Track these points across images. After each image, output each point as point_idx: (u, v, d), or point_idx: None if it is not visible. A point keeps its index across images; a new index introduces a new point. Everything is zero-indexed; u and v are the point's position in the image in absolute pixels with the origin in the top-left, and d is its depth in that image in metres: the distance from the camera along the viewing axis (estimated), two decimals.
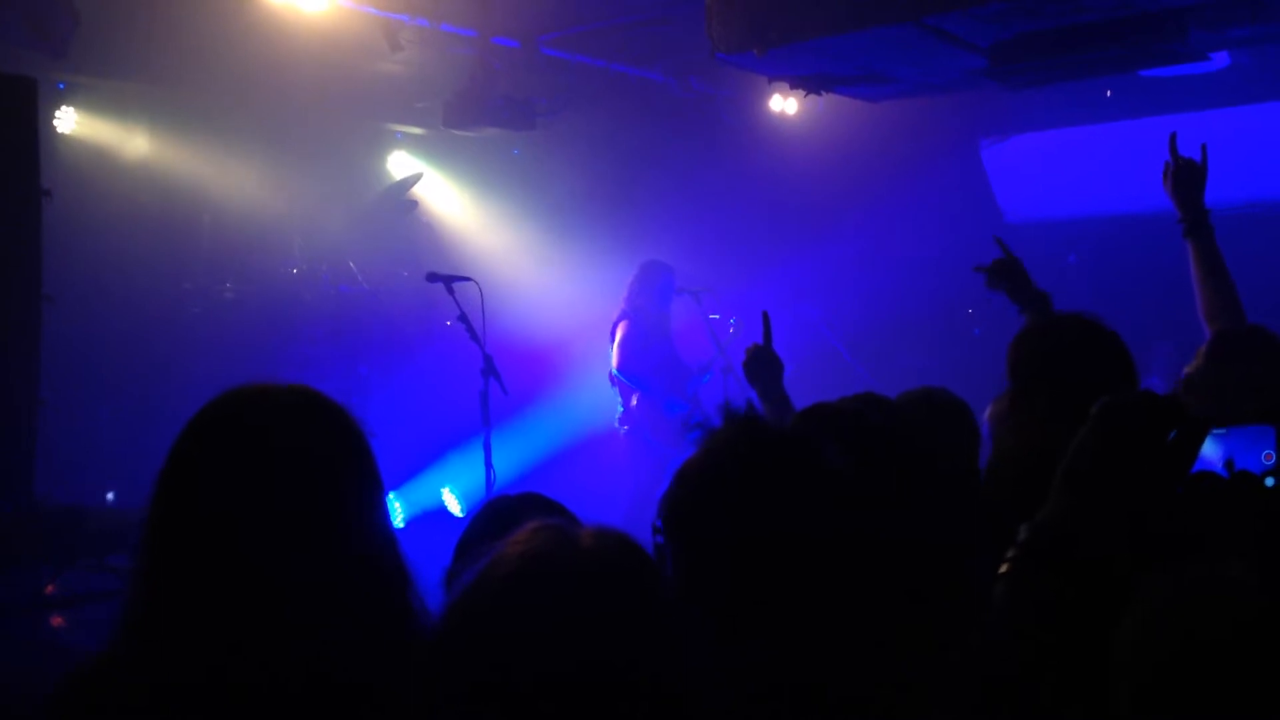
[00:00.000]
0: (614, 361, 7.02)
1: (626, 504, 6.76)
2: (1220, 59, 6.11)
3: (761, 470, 1.44)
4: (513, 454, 7.17)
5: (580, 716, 1.10)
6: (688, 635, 1.22)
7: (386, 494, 1.59)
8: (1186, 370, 2.82)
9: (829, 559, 1.40)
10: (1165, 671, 0.87)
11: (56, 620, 5.19)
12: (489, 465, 5.70)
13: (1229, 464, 1.06)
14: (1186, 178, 3.04)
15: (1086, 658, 0.99)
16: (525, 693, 1.11)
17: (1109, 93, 7.61)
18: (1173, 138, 3.10)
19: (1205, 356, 2.80)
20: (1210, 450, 1.06)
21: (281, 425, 1.51)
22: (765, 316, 3.19)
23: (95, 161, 7.64)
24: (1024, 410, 2.20)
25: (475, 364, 5.73)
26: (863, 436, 1.77)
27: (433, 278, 5.83)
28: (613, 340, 7.09)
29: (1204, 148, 3.07)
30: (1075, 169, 8.47)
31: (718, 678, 1.42)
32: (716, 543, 1.43)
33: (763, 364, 3.14)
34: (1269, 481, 1.04)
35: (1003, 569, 1.03)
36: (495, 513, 2.06)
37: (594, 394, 7.60)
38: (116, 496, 6.71)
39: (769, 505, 1.41)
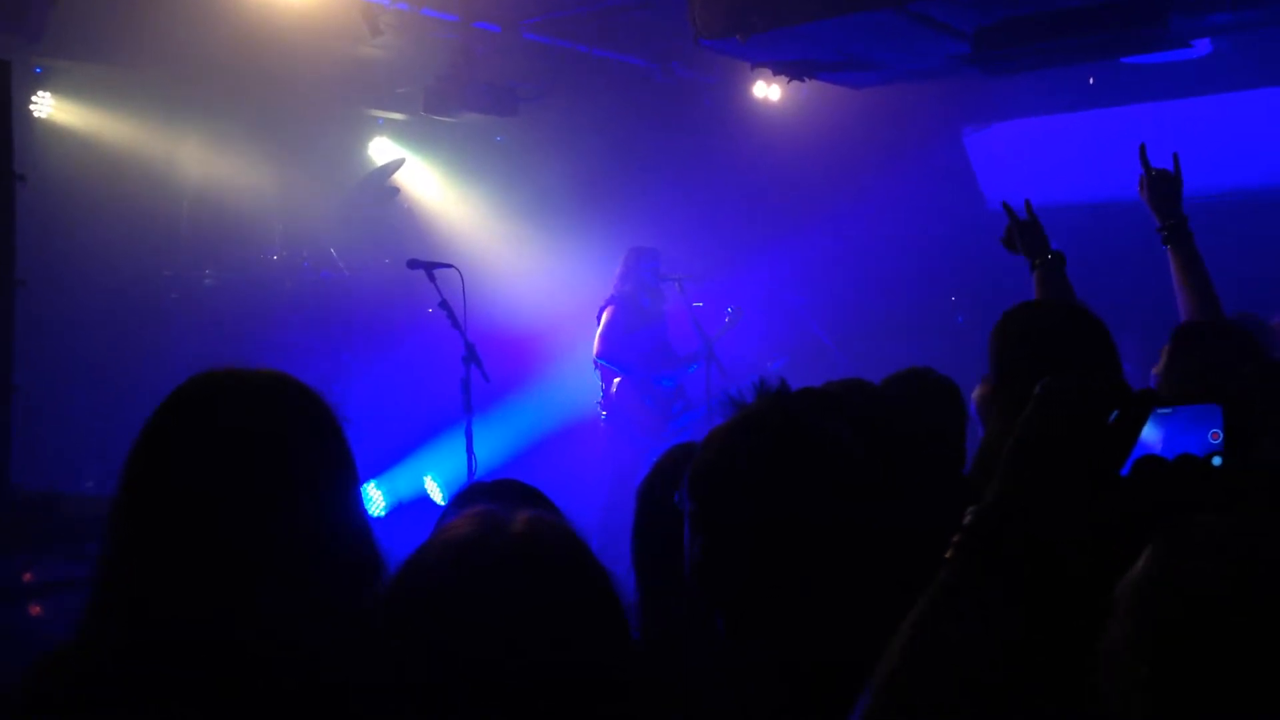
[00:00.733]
0: (595, 346, 7.01)
1: (606, 490, 6.76)
2: (1202, 46, 6.11)
3: (792, 449, 1.44)
4: (495, 441, 7.15)
5: (511, 703, 1.09)
6: (624, 624, 1.20)
7: (359, 480, 1.57)
8: (1155, 370, 2.85)
9: (844, 546, 1.40)
10: (1179, 628, 0.85)
11: (35, 610, 5.16)
12: (471, 453, 5.69)
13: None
14: (1163, 187, 3.07)
15: (1060, 642, 0.98)
16: (451, 675, 1.10)
17: (1091, 80, 7.63)
18: (1142, 149, 3.14)
19: (1169, 348, 2.83)
20: (1156, 431, 1.05)
21: (252, 408, 1.50)
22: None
23: (73, 147, 7.56)
24: (1006, 397, 2.20)
25: (457, 351, 5.71)
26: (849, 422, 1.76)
27: (414, 264, 5.81)
28: (598, 325, 7.08)
29: (1176, 156, 3.11)
30: (1058, 156, 8.48)
31: (719, 677, 1.41)
32: (740, 523, 1.43)
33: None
34: (1216, 461, 1.03)
35: (948, 554, 1.02)
36: (472, 499, 2.05)
37: (576, 381, 7.59)
38: (94, 484, 6.66)
39: (796, 486, 1.42)
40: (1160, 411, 1.05)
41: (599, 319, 7.06)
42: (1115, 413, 1.01)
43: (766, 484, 1.42)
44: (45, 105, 7.53)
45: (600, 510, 6.50)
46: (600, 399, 7.09)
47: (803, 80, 5.57)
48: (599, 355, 6.99)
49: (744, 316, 7.29)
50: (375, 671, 1.14)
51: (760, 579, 1.42)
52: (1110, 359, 2.17)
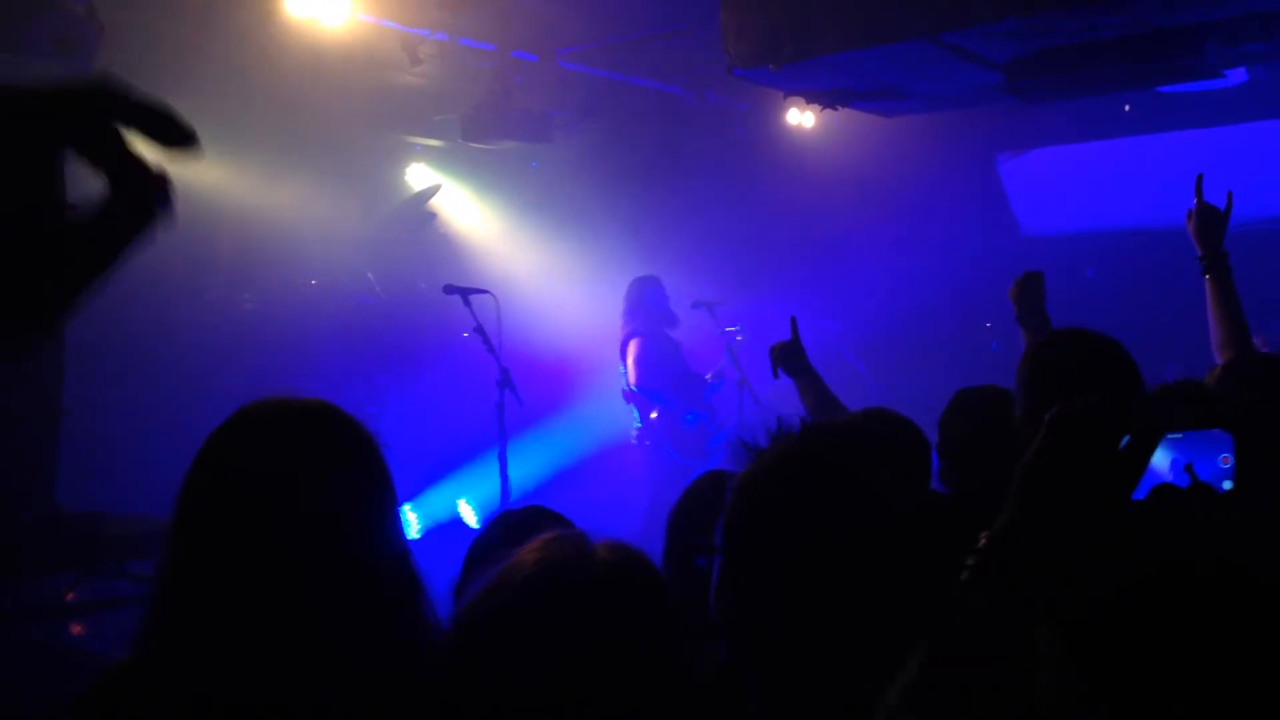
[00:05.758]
0: (632, 378, 7.05)
1: (642, 516, 6.78)
2: (1237, 75, 6.10)
3: (821, 490, 1.44)
4: (528, 466, 7.19)
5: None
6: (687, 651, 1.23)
7: (399, 504, 1.62)
8: None
9: (874, 588, 1.40)
10: None
11: (76, 628, 5.24)
12: (504, 477, 5.73)
13: (1188, 467, 1.06)
14: (1209, 221, 3.17)
15: (1069, 665, 1.00)
16: (538, 695, 1.13)
17: (1127, 108, 7.61)
18: (1198, 180, 3.23)
19: (1221, 374, 2.83)
20: (1168, 456, 1.06)
21: (299, 436, 1.56)
22: (793, 320, 3.58)
23: None
24: (1034, 428, 2.21)
25: (491, 376, 5.77)
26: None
27: (450, 290, 5.87)
28: (623, 358, 7.12)
29: (1230, 195, 3.20)
30: (1093, 183, 8.46)
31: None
32: (773, 565, 1.42)
33: (790, 354, 3.55)
34: (1226, 485, 1.05)
35: (960, 578, 1.04)
36: (503, 526, 2.10)
37: (609, 406, 7.62)
38: (136, 504, 6.74)
39: (825, 528, 1.41)
40: (1171, 437, 1.06)
41: (623, 352, 7.10)
42: (1126, 439, 1.03)
43: (798, 528, 1.41)
44: None
45: (637, 534, 6.52)
46: (638, 428, 7.11)
47: (835, 109, 5.59)
48: (639, 386, 7.02)
49: (749, 339, 7.28)
50: (441, 687, 1.17)
51: (790, 621, 1.42)
52: (1136, 387, 2.18)
